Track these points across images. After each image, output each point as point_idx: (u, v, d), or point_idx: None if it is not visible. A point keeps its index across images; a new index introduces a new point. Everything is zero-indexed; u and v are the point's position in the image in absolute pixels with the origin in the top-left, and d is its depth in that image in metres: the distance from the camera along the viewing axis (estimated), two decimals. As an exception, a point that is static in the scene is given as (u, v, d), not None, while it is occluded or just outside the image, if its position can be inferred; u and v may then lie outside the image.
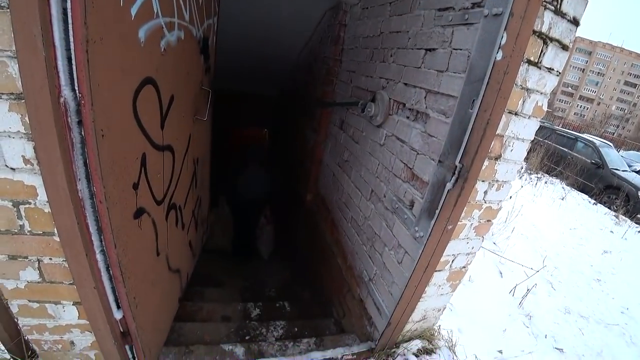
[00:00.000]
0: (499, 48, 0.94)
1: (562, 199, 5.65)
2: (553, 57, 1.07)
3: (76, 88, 0.71)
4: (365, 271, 1.77)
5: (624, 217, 5.70)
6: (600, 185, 7.16)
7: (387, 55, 1.66)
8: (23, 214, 0.84)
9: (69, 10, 0.65)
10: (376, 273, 1.66)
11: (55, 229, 0.85)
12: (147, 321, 1.25)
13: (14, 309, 1.03)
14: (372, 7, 1.89)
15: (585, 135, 9.21)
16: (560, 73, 1.12)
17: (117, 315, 1.10)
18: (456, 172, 1.10)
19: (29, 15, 0.62)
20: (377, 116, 1.67)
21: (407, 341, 1.63)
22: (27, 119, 0.71)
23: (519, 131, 1.14)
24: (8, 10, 0.62)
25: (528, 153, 7.25)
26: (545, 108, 1.15)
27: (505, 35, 0.92)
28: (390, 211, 1.54)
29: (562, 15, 1.03)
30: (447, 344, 1.70)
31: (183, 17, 1.19)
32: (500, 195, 1.27)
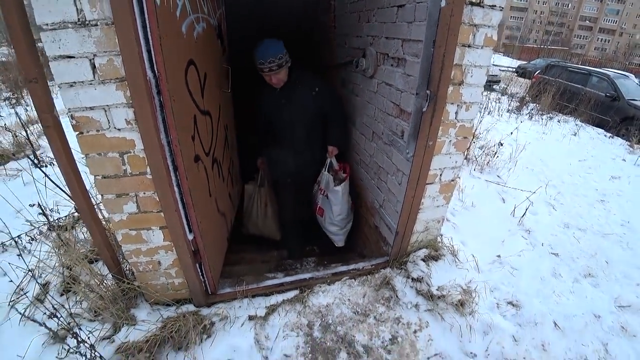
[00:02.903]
0: (442, -3, 1.27)
1: (575, 135, 5.79)
2: (493, -4, 1.38)
3: (155, 70, 1.12)
4: (376, 200, 2.18)
5: (639, 145, 5.78)
6: (616, 117, 7.17)
7: (370, 16, 1.98)
8: (126, 160, 1.27)
9: (147, 21, 1.05)
10: (384, 199, 2.06)
11: (148, 169, 1.29)
12: (209, 245, 1.71)
13: (119, 237, 1.50)
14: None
15: (599, 69, 9.03)
16: (502, 8, 1.42)
17: (190, 236, 1.55)
18: (428, 98, 1.46)
19: (125, 27, 1.02)
20: (369, 69, 2.03)
21: (415, 251, 2.05)
22: (128, 93, 1.13)
23: (475, 60, 1.47)
24: (113, 25, 1.02)
25: (539, 94, 7.34)
26: (495, 38, 1.47)
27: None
28: (388, 144, 1.92)
29: (496, -38, 1.33)
30: (450, 251, 2.11)
31: (204, 12, 1.57)
32: (470, 114, 1.62)
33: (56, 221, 2.14)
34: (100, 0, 1.00)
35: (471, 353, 1.70)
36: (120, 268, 1.67)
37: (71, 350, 1.46)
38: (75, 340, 1.41)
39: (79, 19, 1.03)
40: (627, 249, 2.68)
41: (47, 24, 1.02)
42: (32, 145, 3.08)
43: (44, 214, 1.94)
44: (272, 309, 1.82)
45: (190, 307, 1.76)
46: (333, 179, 2.44)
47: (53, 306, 1.43)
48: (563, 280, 2.21)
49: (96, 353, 1.44)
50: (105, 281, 1.69)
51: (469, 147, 3.75)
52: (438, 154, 1.68)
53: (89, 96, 1.13)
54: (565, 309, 2.00)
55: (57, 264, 1.87)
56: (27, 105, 5.02)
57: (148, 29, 1.06)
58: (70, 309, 1.59)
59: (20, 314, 1.63)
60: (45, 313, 1.51)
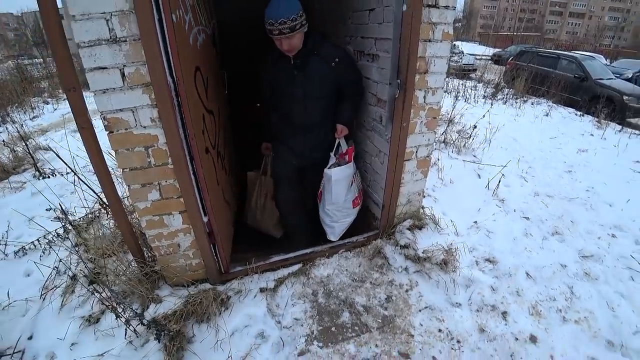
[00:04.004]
0: (403, 2, 1.58)
1: (547, 115, 6.26)
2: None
3: (174, 75, 1.39)
4: (364, 183, 2.48)
5: (606, 121, 6.28)
6: (585, 97, 7.72)
7: (346, 19, 2.29)
8: (150, 153, 1.53)
9: (166, 36, 1.32)
10: (370, 180, 2.37)
11: (169, 159, 1.55)
12: (221, 227, 1.97)
13: (143, 224, 1.75)
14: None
15: (567, 52, 9.64)
16: (455, 7, 1.75)
17: (205, 219, 1.82)
18: (399, 86, 1.77)
19: (150, 41, 1.29)
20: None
21: (401, 222, 2.36)
22: (152, 96, 1.39)
23: (436, 52, 1.80)
24: (140, 40, 1.29)
25: (513, 79, 7.80)
26: (451, 32, 1.80)
27: (405, -7, 1.57)
28: (370, 130, 2.23)
29: (445, -30, 1.65)
30: (432, 220, 2.43)
31: (202, 24, 1.84)
32: (436, 98, 1.94)
33: (76, 221, 2.36)
34: (129, 20, 1.27)
35: (456, 303, 2.01)
36: (142, 254, 1.92)
37: (108, 327, 1.71)
38: (114, 315, 1.66)
39: (110, 37, 1.29)
40: (591, 210, 3.05)
41: (84, 42, 1.28)
42: (33, 158, 3.28)
43: (65, 214, 2.16)
44: (280, 282, 2.10)
45: (207, 286, 2.01)
46: (336, 163, 2.23)
47: (95, 288, 1.67)
48: (533, 238, 2.56)
49: (131, 327, 1.69)
50: (131, 266, 1.93)
51: (445, 131, 4.11)
52: (412, 134, 2.00)
53: (119, 100, 1.39)
54: (536, 261, 2.33)
55: (83, 258, 2.10)
56: (14, 123, 5.15)
57: (167, 42, 1.33)
58: (104, 290, 1.83)
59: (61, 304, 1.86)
60: (92, 292, 1.75)
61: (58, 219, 2.47)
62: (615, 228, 2.78)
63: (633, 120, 7.59)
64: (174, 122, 1.45)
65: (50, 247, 2.32)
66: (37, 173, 3.27)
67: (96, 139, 1.50)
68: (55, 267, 2.14)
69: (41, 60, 11.69)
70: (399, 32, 1.65)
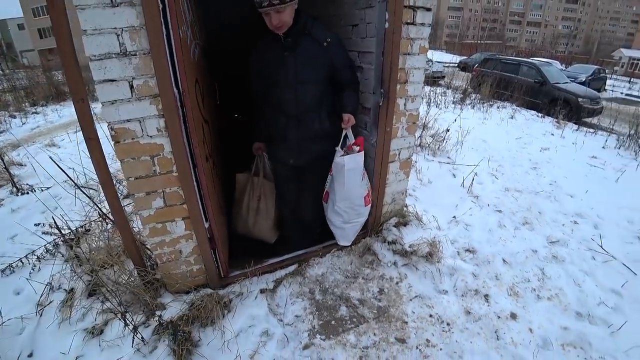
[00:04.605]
0: (386, 20, 1.78)
1: (512, 117, 6.76)
2: (422, 17, 1.94)
3: (179, 87, 1.51)
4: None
5: (564, 122, 6.87)
6: (545, 99, 8.40)
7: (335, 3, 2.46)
8: (156, 162, 1.63)
9: (174, 50, 1.44)
10: (357, 181, 2.54)
11: (174, 167, 1.65)
12: (220, 232, 2.07)
13: (146, 232, 1.82)
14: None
15: (527, 59, 10.44)
16: (430, 24, 1.98)
17: (206, 224, 1.92)
18: (382, 95, 1.97)
19: (160, 55, 1.41)
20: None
21: (387, 220, 2.55)
22: (160, 106, 1.50)
23: (414, 64, 2.02)
24: (150, 54, 1.41)
25: (479, 85, 8.35)
26: (427, 47, 2.03)
27: (387, 13, 1.78)
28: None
29: (420, -9, 1.88)
30: (415, 217, 2.63)
31: (197, 37, 1.97)
32: (415, 105, 2.16)
33: (69, 234, 2.37)
34: (139, 35, 1.39)
35: (443, 290, 2.21)
36: (143, 263, 1.98)
37: (114, 337, 1.76)
38: (123, 323, 1.72)
39: (121, 51, 1.40)
40: (555, 202, 3.39)
41: (95, 55, 1.38)
42: (10, 174, 3.22)
43: (58, 228, 2.18)
44: (278, 282, 2.22)
45: (208, 291, 2.09)
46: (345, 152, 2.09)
47: (106, 296, 1.72)
48: (507, 229, 2.82)
49: (138, 335, 1.75)
50: (132, 276, 1.99)
51: (420, 135, 4.39)
52: (395, 138, 2.20)
53: (127, 110, 1.49)
54: (510, 249, 2.59)
55: (80, 271, 2.12)
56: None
57: (175, 56, 1.45)
58: (110, 300, 1.87)
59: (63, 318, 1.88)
60: (102, 301, 1.78)
61: (48, 233, 2.47)
62: (577, 216, 3.11)
63: (588, 120, 8.31)
64: (179, 132, 1.56)
65: (40, 263, 2.32)
66: (15, 189, 3.21)
67: (102, 149, 1.59)
68: (49, 282, 2.14)
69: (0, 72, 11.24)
70: (382, 46, 1.85)
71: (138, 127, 1.54)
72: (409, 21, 1.88)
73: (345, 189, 2.10)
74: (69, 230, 2.41)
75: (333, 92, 2.00)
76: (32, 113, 7.97)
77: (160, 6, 1.37)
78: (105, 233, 2.30)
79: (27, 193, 3.13)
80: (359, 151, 2.06)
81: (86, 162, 3.33)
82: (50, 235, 2.43)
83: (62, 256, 2.33)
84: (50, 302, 2.04)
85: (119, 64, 1.41)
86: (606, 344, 1.89)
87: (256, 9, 1.66)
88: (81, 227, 2.47)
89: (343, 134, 2.04)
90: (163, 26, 1.39)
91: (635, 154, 5.01)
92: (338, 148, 2.07)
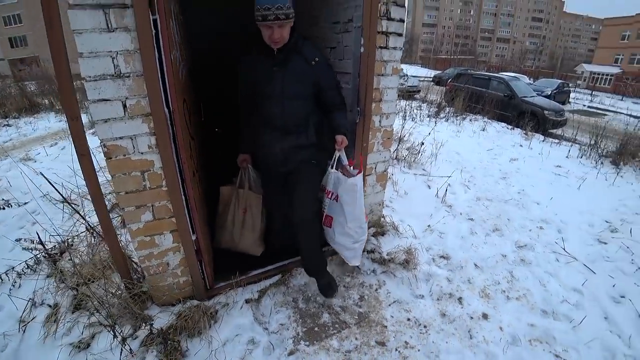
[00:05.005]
0: (361, 45, 1.97)
1: (483, 130, 7.14)
2: (394, 42, 2.14)
3: (170, 107, 1.62)
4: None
5: (532, 133, 7.32)
6: (514, 112, 8.91)
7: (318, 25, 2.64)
8: (146, 177, 1.71)
9: (165, 72, 1.56)
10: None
11: (163, 182, 1.74)
12: (205, 246, 2.15)
13: (135, 245, 1.89)
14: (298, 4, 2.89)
15: (496, 74, 11.07)
16: (402, 48, 2.18)
17: (193, 237, 2.00)
18: (359, 113, 2.14)
19: (152, 77, 1.52)
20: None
21: (367, 230, 2.69)
22: (151, 125, 1.60)
23: (387, 84, 2.21)
24: (143, 76, 1.52)
25: (453, 99, 8.81)
26: (400, 68, 2.22)
27: (362, 38, 1.96)
28: (335, 149, 2.57)
29: (392, 19, 2.08)
30: (392, 227, 2.79)
31: (184, 58, 2.08)
32: (389, 121, 2.35)
33: (51, 249, 2.38)
34: (133, 59, 1.49)
35: (420, 295, 2.36)
36: (130, 275, 2.04)
37: (101, 350, 1.80)
38: (112, 335, 1.76)
39: (115, 72, 1.50)
40: (523, 209, 3.64)
41: (90, 76, 1.47)
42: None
43: (42, 243, 2.20)
44: (262, 292, 2.30)
45: (194, 302, 2.15)
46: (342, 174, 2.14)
47: (97, 308, 1.76)
48: (478, 236, 3.03)
49: (127, 346, 1.80)
50: (120, 289, 2.03)
51: (397, 149, 4.61)
52: (371, 152, 2.38)
53: (119, 129, 1.58)
54: (482, 254, 2.78)
55: (63, 286, 2.14)
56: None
57: (166, 77, 1.56)
58: (99, 312, 1.90)
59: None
60: (92, 313, 1.81)
61: (28, 249, 2.46)
62: (542, 222, 3.36)
63: (553, 131, 8.87)
64: (169, 148, 1.66)
65: (21, 279, 2.32)
66: (-11, 207, 3.16)
67: (93, 166, 1.66)
68: (31, 298, 2.15)
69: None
70: (358, 68, 2.03)
71: (130, 144, 1.63)
72: (382, 45, 2.07)
73: (357, 209, 2.14)
74: (53, 245, 2.42)
75: (319, 111, 2.08)
76: (4, 125, 7.75)
77: (154, 32, 1.48)
78: (92, 247, 2.33)
79: (3, 209, 3.09)
80: (358, 173, 2.11)
81: (66, 175, 3.33)
82: (31, 250, 2.43)
83: (44, 272, 2.33)
84: (34, 317, 2.05)
85: (113, 85, 1.51)
86: (569, 338, 2.08)
87: (252, 22, 1.74)
88: (64, 241, 2.49)
89: (336, 155, 2.10)
90: (156, 50, 1.51)
91: (596, 163, 5.42)
92: (331, 170, 2.15)
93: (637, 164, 5.34)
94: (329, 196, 2.20)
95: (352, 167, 2.16)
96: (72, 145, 1.59)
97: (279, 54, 1.85)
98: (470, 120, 8.04)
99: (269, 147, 2.07)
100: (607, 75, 34.53)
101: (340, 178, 2.12)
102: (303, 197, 2.12)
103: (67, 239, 2.50)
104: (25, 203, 3.25)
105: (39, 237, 2.21)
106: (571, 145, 6.42)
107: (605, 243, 3.08)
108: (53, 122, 7.87)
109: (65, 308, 2.07)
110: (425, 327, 2.12)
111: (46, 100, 9.96)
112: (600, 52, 38.46)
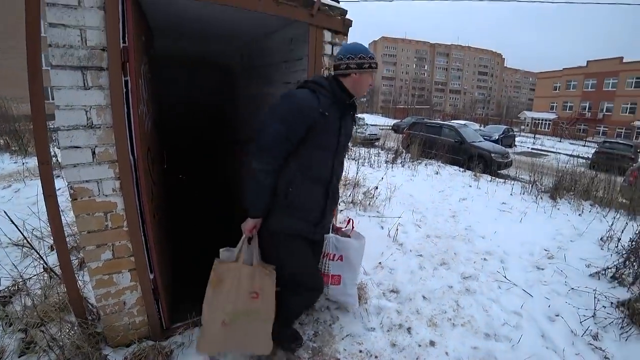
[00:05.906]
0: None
1: (437, 173, 7.76)
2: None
3: (135, 154, 1.84)
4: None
5: (481, 175, 8.05)
6: (464, 156, 9.80)
7: (280, 66, 2.99)
8: (109, 217, 1.87)
9: (132, 124, 1.80)
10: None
11: (124, 223, 1.90)
12: (162, 285, 2.26)
13: (93, 283, 1.97)
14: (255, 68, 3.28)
15: (447, 122, 12.30)
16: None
17: (151, 276, 2.12)
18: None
19: (121, 128, 1.75)
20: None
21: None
22: (117, 170, 1.80)
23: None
24: (112, 127, 1.74)
25: (408, 145, 9.55)
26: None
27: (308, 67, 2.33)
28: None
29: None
30: (346, 263, 3.02)
31: (150, 110, 2.34)
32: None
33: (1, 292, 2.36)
34: (105, 112, 1.73)
35: (371, 328, 2.54)
36: (85, 316, 2.09)
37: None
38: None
39: (87, 124, 1.71)
40: (469, 243, 4.02)
41: (64, 126, 1.67)
42: None
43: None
44: (219, 330, 2.39)
45: (150, 343, 2.21)
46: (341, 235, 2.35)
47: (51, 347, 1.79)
48: (426, 270, 3.31)
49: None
50: (73, 329, 2.06)
51: (352, 193, 4.96)
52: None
53: (87, 173, 1.76)
54: (429, 286, 3.05)
55: (10, 330, 2.13)
56: None
57: (132, 129, 1.80)
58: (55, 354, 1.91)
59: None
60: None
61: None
62: (486, 254, 3.74)
63: (500, 172, 9.78)
64: (132, 192, 1.86)
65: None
66: None
67: (58, 208, 1.81)
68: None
69: None
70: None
71: (96, 187, 1.80)
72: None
73: (360, 264, 2.43)
74: (3, 288, 2.41)
75: None
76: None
77: (124, 90, 1.75)
78: (47, 288, 2.35)
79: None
80: (352, 231, 2.43)
81: (19, 218, 3.30)
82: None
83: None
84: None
85: (85, 134, 1.72)
86: (509, 356, 2.32)
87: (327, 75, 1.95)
88: (14, 284, 2.48)
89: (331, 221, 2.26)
90: (125, 106, 1.76)
91: (536, 198, 6.08)
92: (330, 235, 2.27)
93: (571, 197, 6.06)
94: (332, 258, 2.33)
95: (344, 226, 2.46)
96: (39, 186, 1.75)
97: (346, 107, 1.81)
98: (425, 164, 8.72)
99: (319, 207, 1.88)
100: (546, 120, 39.80)
101: (341, 240, 2.30)
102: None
103: (19, 282, 2.50)
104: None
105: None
106: (514, 184, 7.13)
107: (543, 269, 3.47)
108: (7, 164, 7.60)
109: (10, 353, 2.05)
110: (376, 357, 2.29)
111: (1, 141, 9.47)
112: (538, 100, 44.19)
